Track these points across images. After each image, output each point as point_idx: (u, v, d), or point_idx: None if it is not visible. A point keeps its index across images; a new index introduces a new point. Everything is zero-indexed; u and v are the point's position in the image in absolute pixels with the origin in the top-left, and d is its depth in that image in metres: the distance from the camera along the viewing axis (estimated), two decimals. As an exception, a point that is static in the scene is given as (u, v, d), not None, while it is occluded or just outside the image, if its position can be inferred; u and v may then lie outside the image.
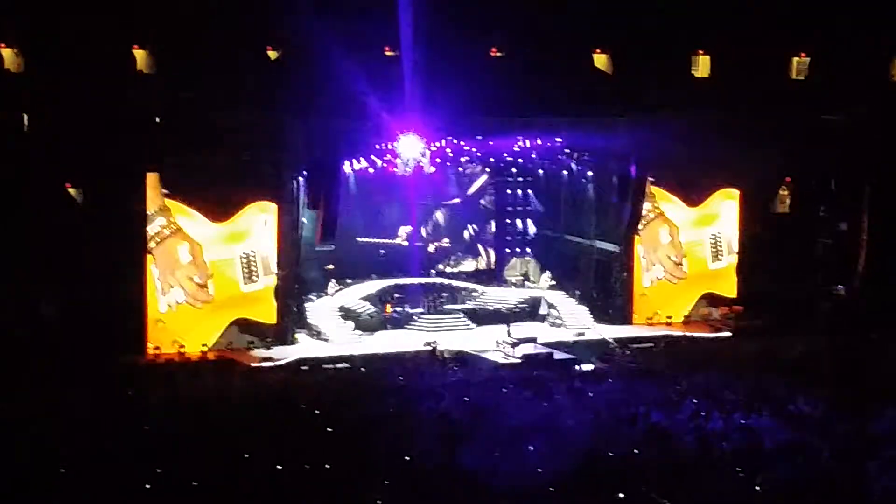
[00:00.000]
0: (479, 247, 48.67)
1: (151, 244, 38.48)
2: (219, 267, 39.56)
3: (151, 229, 38.47)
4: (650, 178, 44.33)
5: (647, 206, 44.50)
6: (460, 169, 47.13)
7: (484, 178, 48.19)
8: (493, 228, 48.75)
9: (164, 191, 38.39)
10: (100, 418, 27.04)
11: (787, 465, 23.94)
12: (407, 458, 24.03)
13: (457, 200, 48.16)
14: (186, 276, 39.13)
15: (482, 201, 48.55)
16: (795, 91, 44.07)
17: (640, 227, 44.53)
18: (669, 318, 44.74)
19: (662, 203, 45.08)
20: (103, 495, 21.86)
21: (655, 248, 45.30)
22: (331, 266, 44.36)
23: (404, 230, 46.70)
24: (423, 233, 47.11)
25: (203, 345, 38.78)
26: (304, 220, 41.60)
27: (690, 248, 45.79)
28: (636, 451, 25.19)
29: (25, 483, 22.33)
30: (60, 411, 27.66)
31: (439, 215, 47.96)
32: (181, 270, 39.07)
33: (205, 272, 39.31)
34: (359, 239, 45.71)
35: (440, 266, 47.19)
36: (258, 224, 39.89)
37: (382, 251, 46.08)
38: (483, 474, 22.84)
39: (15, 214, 37.20)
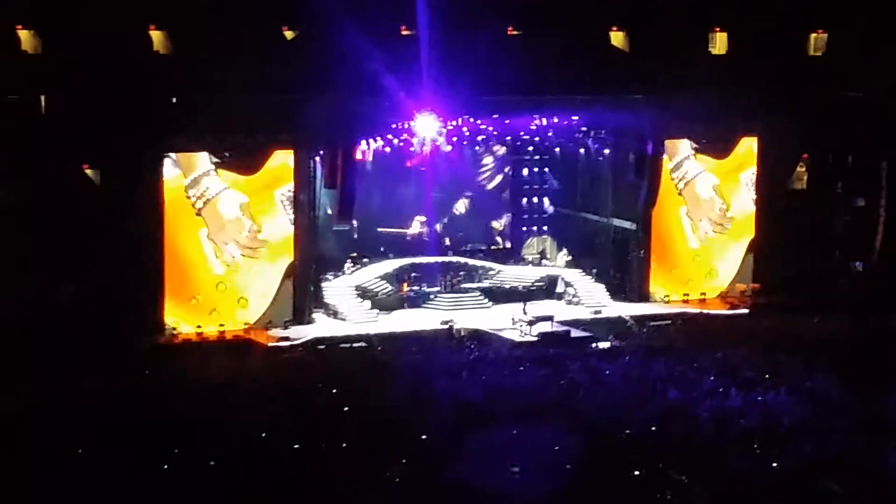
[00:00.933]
0: (498, 238, 48.61)
1: (199, 204, 39.01)
2: (265, 214, 40.06)
3: (197, 191, 38.97)
4: (694, 145, 44.60)
5: (685, 167, 44.98)
6: (477, 148, 46.99)
7: (500, 176, 48.29)
8: (510, 220, 48.75)
9: (214, 159, 39.03)
10: (118, 399, 27.17)
11: (803, 443, 23.98)
12: (423, 436, 24.13)
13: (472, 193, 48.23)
14: (238, 229, 39.68)
15: (503, 195, 48.57)
16: (813, 67, 43.97)
17: (681, 187, 44.84)
18: (686, 294, 44.77)
19: (696, 161, 45.41)
20: (121, 476, 21.99)
21: (699, 204, 45.48)
22: (354, 254, 44.71)
23: (419, 220, 46.66)
24: (440, 226, 46.99)
25: (220, 325, 38.92)
26: (322, 199, 41.75)
27: (730, 196, 46.00)
28: (653, 428, 25.27)
29: (43, 465, 22.50)
30: (79, 391, 27.80)
31: (459, 206, 47.92)
32: (232, 225, 39.60)
33: (254, 222, 39.82)
34: (380, 229, 45.88)
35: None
36: (288, 166, 40.30)
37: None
38: (499, 452, 22.94)
39: (32, 196, 37.28)
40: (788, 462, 22.91)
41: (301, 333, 39.01)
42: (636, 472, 22.43)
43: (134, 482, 21.79)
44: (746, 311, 42.82)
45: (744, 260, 45.70)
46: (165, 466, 22.37)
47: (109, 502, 21.39)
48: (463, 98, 41.13)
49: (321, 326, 40.31)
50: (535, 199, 49.45)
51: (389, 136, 43.10)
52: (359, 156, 42.97)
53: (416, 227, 46.54)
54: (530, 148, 48.10)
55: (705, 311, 42.95)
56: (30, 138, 37.43)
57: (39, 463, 22.61)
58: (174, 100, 38.58)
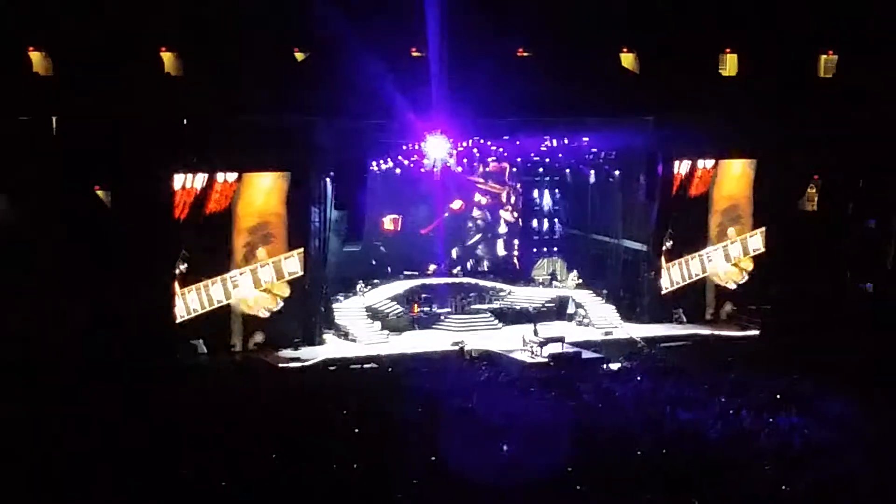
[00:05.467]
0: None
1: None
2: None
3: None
4: None
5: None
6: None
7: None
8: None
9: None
10: (129, 420, 27.16)
11: (815, 464, 23.92)
12: (433, 457, 24.10)
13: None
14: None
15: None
16: (823, 89, 43.96)
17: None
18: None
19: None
20: (132, 494, 22.00)
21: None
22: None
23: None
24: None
25: (231, 346, 38.92)
26: (332, 219, 41.79)
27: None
28: (664, 449, 25.21)
29: (54, 482, 22.53)
30: (91, 412, 27.81)
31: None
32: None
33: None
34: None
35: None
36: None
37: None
38: (510, 473, 22.91)
39: (44, 217, 37.31)
40: (801, 483, 22.84)
41: (312, 354, 39.02)
42: (647, 495, 22.37)
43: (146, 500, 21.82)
44: (757, 332, 42.75)
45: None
46: (176, 484, 22.37)
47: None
48: (473, 119, 41.24)
49: (332, 347, 40.32)
50: (546, 221, 49.60)
51: (400, 158, 43.26)
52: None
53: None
54: (540, 169, 48.23)
55: (716, 332, 42.87)
56: (41, 159, 37.47)
57: (50, 478, 22.65)
58: (185, 121, 38.62)
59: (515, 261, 49.55)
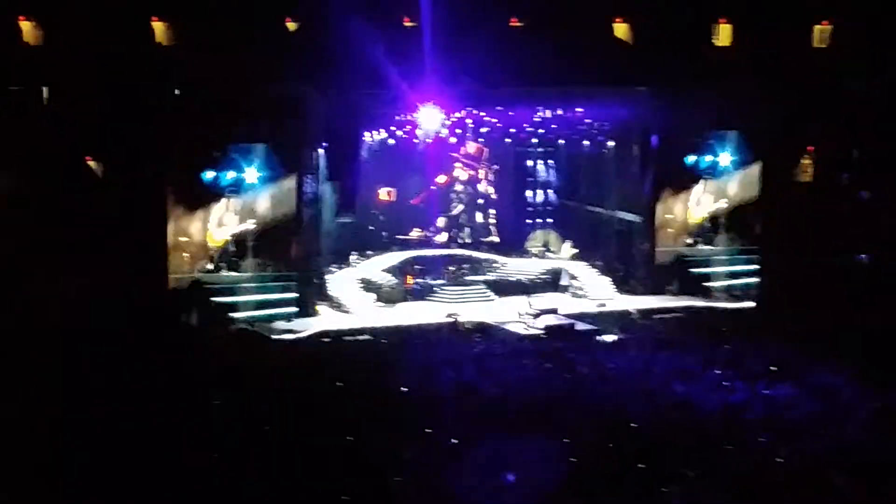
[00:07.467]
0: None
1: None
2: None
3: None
4: None
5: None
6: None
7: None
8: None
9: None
10: (123, 393, 27.06)
11: (810, 438, 23.86)
12: (428, 430, 24.03)
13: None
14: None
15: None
16: (818, 59, 43.78)
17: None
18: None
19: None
20: (127, 472, 21.92)
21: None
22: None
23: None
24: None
25: (227, 315, 38.88)
26: (325, 191, 41.69)
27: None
28: (658, 421, 25.15)
29: (52, 464, 22.46)
30: (85, 389, 27.70)
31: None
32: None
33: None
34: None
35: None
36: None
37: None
38: (504, 447, 22.83)
39: (35, 188, 37.19)
40: (796, 456, 22.78)
41: (305, 326, 38.95)
42: (641, 466, 22.31)
43: (140, 475, 21.71)
44: (752, 303, 42.70)
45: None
46: (171, 458, 22.30)
47: (112, 495, 21.32)
48: (466, 90, 41.08)
49: (325, 319, 40.25)
50: (540, 192, 49.56)
51: (393, 128, 43.16)
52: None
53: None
54: (534, 140, 48.17)
55: (711, 303, 42.80)
56: (32, 130, 37.32)
57: (50, 459, 22.56)
58: (176, 91, 38.46)
59: (493, 230, 49.54)
